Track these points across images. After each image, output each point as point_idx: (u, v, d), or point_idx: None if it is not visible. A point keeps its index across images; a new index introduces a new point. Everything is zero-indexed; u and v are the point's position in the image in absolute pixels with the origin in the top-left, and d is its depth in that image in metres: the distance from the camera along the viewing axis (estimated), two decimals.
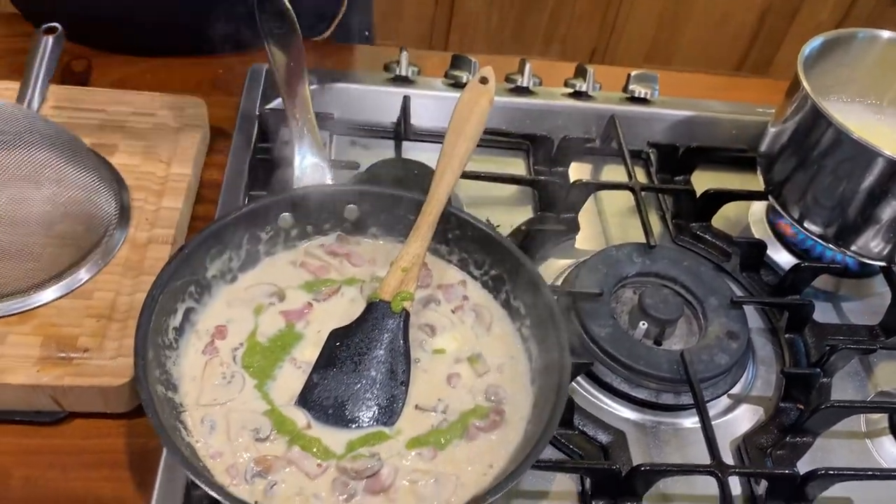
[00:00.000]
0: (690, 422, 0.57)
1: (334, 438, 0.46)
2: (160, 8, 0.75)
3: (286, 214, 0.54)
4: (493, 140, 0.71)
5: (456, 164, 0.54)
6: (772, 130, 0.68)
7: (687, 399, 0.56)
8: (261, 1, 0.62)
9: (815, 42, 0.66)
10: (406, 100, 0.72)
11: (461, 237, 0.55)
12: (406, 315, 0.50)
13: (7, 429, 0.49)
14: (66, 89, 0.68)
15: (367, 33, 1.00)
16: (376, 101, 0.73)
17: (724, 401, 0.58)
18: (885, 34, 0.67)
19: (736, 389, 0.59)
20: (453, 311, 0.54)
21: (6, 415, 0.49)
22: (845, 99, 0.70)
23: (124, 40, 0.76)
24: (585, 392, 0.57)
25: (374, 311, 0.51)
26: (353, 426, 0.47)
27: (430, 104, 0.73)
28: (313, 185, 0.57)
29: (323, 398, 0.48)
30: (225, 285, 0.53)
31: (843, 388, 0.60)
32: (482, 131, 0.56)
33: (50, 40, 0.69)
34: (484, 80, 0.57)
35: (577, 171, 0.72)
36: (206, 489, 0.39)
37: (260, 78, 0.73)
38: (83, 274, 0.54)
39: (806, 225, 0.66)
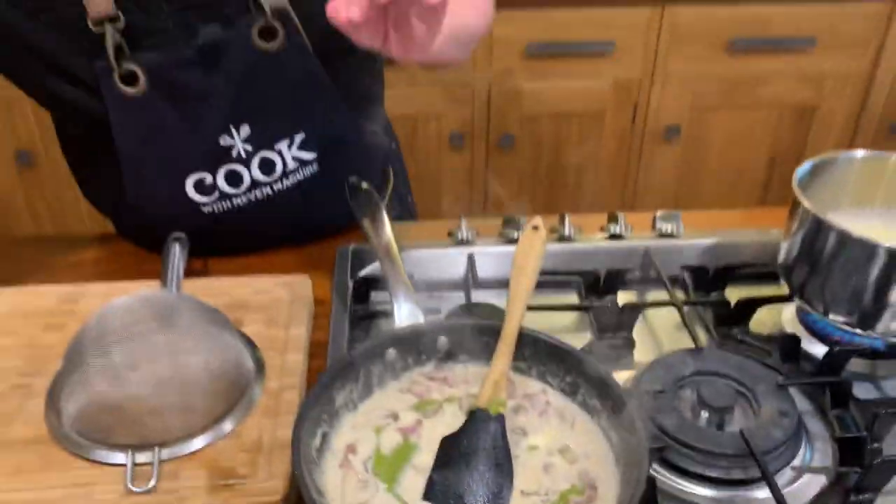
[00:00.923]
0: (761, 493, 0.64)
1: None
2: (266, 226, 0.92)
3: (391, 350, 0.67)
4: (548, 279, 0.84)
5: (523, 295, 0.67)
6: (784, 244, 0.80)
7: (755, 472, 0.64)
8: (352, 192, 0.79)
9: (806, 166, 0.80)
10: (471, 257, 0.86)
11: (536, 353, 0.67)
12: (502, 418, 0.61)
13: None
14: (193, 282, 0.83)
15: (409, 199, 1.17)
16: (446, 261, 0.87)
17: (788, 473, 0.66)
18: (861, 153, 0.81)
19: (796, 462, 0.66)
20: (539, 416, 0.64)
21: None
22: (838, 210, 0.81)
23: (231, 251, 0.93)
24: (664, 477, 0.65)
25: (476, 418, 0.61)
26: None
27: (490, 258, 0.87)
28: (410, 325, 0.69)
29: (444, 492, 0.57)
30: (349, 413, 0.64)
31: (894, 449, 0.67)
32: (539, 269, 0.69)
33: (177, 246, 0.85)
34: (535, 228, 0.71)
35: (624, 298, 0.84)
36: None
37: (347, 256, 0.89)
38: (233, 419, 0.66)
39: (831, 317, 0.76)
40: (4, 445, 0.64)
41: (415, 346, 0.68)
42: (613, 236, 0.90)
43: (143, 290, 0.71)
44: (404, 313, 0.71)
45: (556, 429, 0.63)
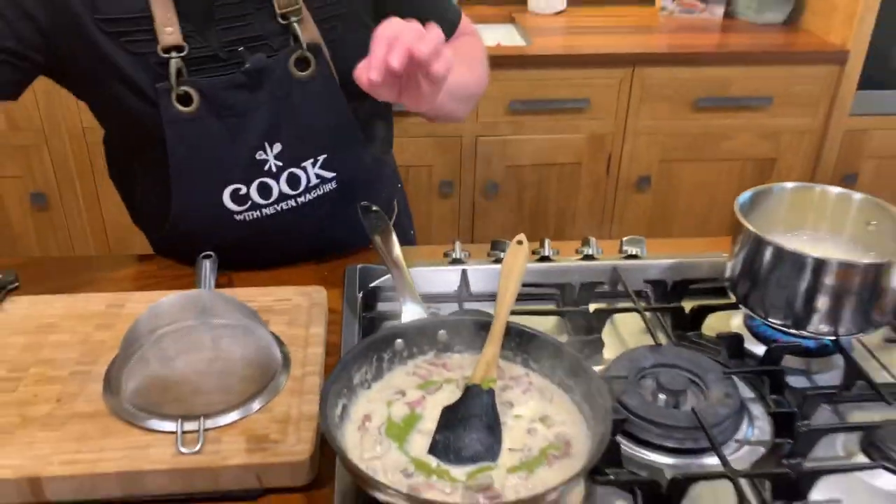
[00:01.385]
0: (711, 461, 0.76)
1: (458, 472, 0.67)
2: (290, 238, 1.05)
3: (399, 340, 0.79)
4: (531, 291, 0.97)
5: (509, 296, 0.80)
6: (730, 262, 0.94)
7: (704, 443, 0.76)
8: (364, 213, 0.93)
9: (746, 195, 0.94)
10: (464, 273, 0.99)
11: (520, 343, 0.79)
12: (492, 392, 0.73)
13: None
14: (222, 292, 0.95)
15: (411, 232, 1.31)
16: (442, 277, 1.00)
17: (733, 444, 0.78)
18: (790, 185, 0.96)
19: (739, 435, 0.79)
20: (523, 393, 0.77)
21: (227, 493, 0.71)
22: (773, 233, 0.95)
23: (257, 263, 1.06)
24: (628, 447, 0.77)
25: (471, 392, 0.73)
26: (469, 463, 0.68)
27: (481, 274, 1.00)
28: (415, 320, 0.82)
29: (445, 448, 0.69)
30: (364, 390, 0.76)
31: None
32: (523, 276, 0.82)
33: (207, 263, 0.98)
34: (520, 242, 0.85)
35: (595, 306, 0.97)
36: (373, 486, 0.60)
37: (355, 273, 1.01)
38: (265, 398, 0.78)
39: (770, 321, 0.89)
40: (69, 419, 0.75)
41: (419, 337, 0.80)
42: (586, 257, 1.04)
43: (185, 291, 0.83)
44: (410, 312, 0.84)
45: (537, 402, 0.76)
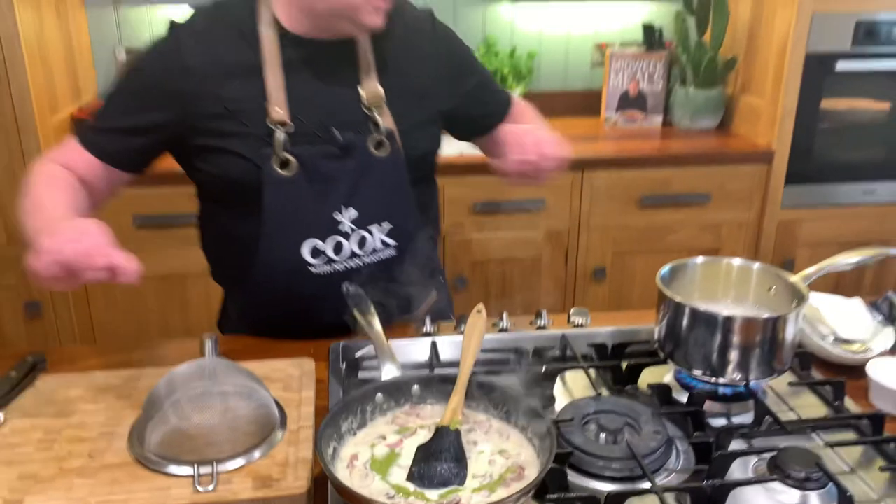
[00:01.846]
0: (644, 485, 0.91)
1: (432, 494, 0.81)
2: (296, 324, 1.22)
3: (379, 394, 0.94)
4: (490, 356, 1.13)
5: (471, 353, 0.97)
6: (657, 327, 1.11)
7: (638, 471, 0.91)
8: (348, 293, 1.09)
9: (666, 268, 1.13)
10: (434, 343, 1.15)
11: (481, 392, 0.95)
12: (459, 432, 0.88)
13: None
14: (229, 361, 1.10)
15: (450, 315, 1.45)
16: (415, 347, 1.16)
17: (663, 473, 0.93)
18: (700, 259, 1.14)
19: (668, 465, 0.94)
20: (485, 433, 0.92)
21: None
22: (691, 301, 1.13)
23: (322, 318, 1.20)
24: (574, 477, 0.91)
25: (441, 432, 0.88)
26: (441, 487, 0.82)
27: (448, 344, 1.16)
28: (392, 378, 0.97)
29: (420, 476, 0.83)
30: (351, 436, 0.90)
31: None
32: (483, 337, 0.99)
33: (210, 342, 1.12)
34: (479, 311, 1.02)
35: (546, 366, 1.13)
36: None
37: (339, 348, 1.17)
38: (266, 447, 0.92)
39: (693, 372, 1.06)
40: (101, 469, 0.88)
41: (396, 391, 0.96)
42: (539, 327, 1.21)
43: (196, 360, 0.98)
44: (388, 372, 0.99)
45: (496, 440, 0.90)
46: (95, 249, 0.91)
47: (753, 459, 0.93)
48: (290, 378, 1.06)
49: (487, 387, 0.95)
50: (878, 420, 0.99)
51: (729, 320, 1.01)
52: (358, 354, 1.13)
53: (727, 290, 1.15)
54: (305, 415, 0.98)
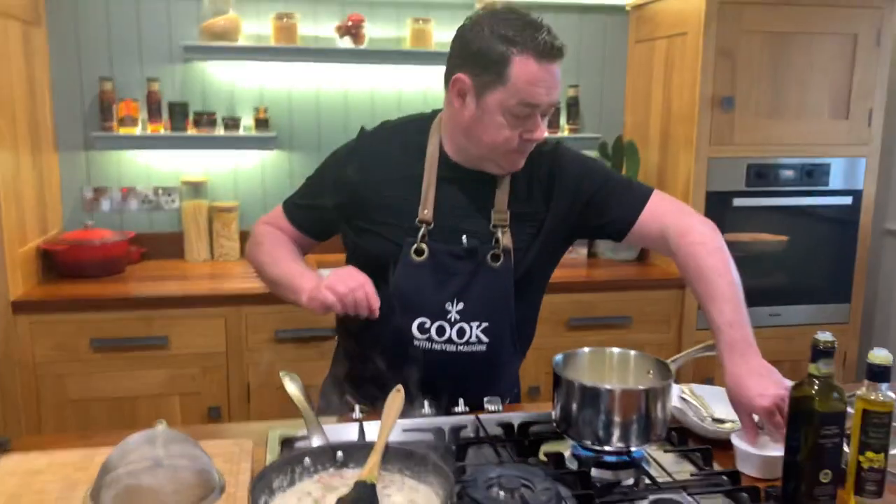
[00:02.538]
0: None
1: None
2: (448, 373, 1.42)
3: (307, 458, 1.09)
4: (414, 438, 1.28)
5: (389, 424, 1.13)
6: (554, 407, 1.28)
7: None
8: (290, 379, 1.25)
9: (559, 356, 1.31)
10: (361, 425, 1.30)
11: (396, 456, 1.10)
12: (374, 485, 1.03)
13: None
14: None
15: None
16: (345, 430, 1.31)
17: None
18: (587, 349, 1.34)
19: None
20: (398, 490, 1.06)
21: None
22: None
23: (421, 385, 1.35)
24: None
25: (359, 484, 1.02)
26: None
27: (374, 427, 1.31)
28: (318, 445, 1.12)
29: None
30: (281, 493, 1.04)
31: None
32: (399, 413, 1.15)
33: (161, 426, 1.26)
34: (398, 391, 1.19)
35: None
36: None
37: (276, 432, 1.31)
38: (208, 502, 1.04)
39: (583, 442, 1.23)
40: None
41: (322, 456, 1.10)
42: (457, 413, 1.37)
43: (145, 430, 1.12)
44: (316, 442, 1.14)
45: (408, 493, 1.05)
46: (361, 283, 1.31)
47: None
48: (230, 454, 1.20)
49: (404, 452, 1.11)
50: (734, 476, 1.16)
51: (610, 392, 1.20)
52: (289, 436, 1.28)
53: (611, 374, 1.34)
54: (242, 482, 1.12)
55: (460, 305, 1.41)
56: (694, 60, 2.63)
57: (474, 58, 1.33)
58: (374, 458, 1.07)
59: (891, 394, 1.09)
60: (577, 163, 1.50)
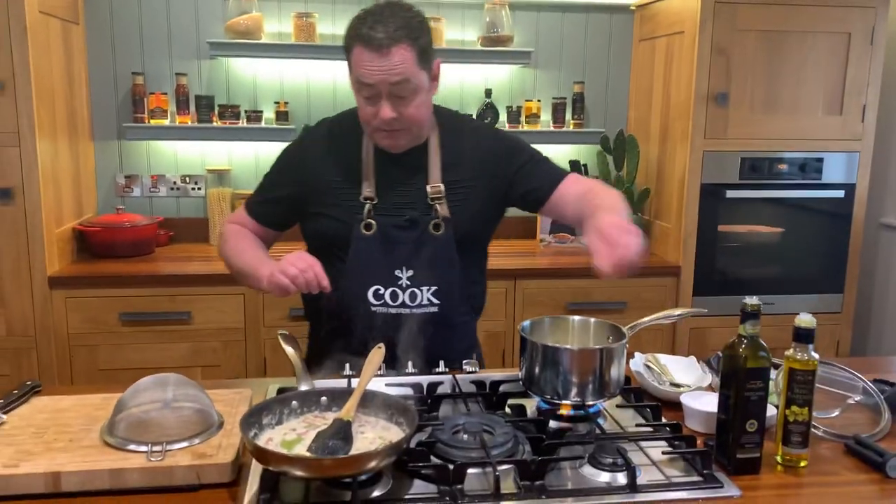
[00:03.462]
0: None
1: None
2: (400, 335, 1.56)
3: (294, 401, 1.25)
4: (397, 393, 1.44)
5: (368, 372, 1.28)
6: (521, 367, 1.43)
7: (487, 459, 1.20)
8: (285, 338, 1.42)
9: (526, 322, 1.46)
10: (349, 380, 1.46)
11: (374, 401, 1.25)
12: (350, 422, 1.18)
13: (177, 496, 1.11)
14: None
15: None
16: (336, 383, 1.47)
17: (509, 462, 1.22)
18: (550, 317, 1.48)
19: (516, 457, 1.23)
20: (371, 428, 1.21)
21: (178, 487, 1.12)
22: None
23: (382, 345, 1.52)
24: (436, 458, 1.20)
25: (336, 420, 1.18)
26: (331, 454, 1.12)
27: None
28: (304, 390, 1.28)
29: (317, 449, 1.13)
30: (269, 429, 1.20)
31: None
32: (378, 366, 1.31)
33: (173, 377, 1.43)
34: (380, 347, 1.35)
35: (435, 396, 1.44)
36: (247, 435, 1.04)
37: (273, 385, 1.47)
38: (205, 437, 1.21)
39: (545, 397, 1.37)
40: (79, 448, 1.16)
41: (308, 399, 1.26)
42: (437, 373, 1.52)
43: (157, 374, 1.29)
44: (304, 387, 1.30)
45: (379, 430, 1.20)
46: (310, 264, 1.44)
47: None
48: (231, 399, 1.37)
49: (381, 398, 1.26)
50: (676, 427, 1.29)
51: (569, 351, 1.34)
52: (283, 385, 1.44)
53: (573, 339, 1.48)
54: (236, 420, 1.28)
55: (410, 272, 1.57)
56: (690, 58, 2.75)
57: (345, 47, 1.54)
58: (353, 400, 1.23)
59: (815, 354, 1.22)
60: (507, 138, 1.71)
